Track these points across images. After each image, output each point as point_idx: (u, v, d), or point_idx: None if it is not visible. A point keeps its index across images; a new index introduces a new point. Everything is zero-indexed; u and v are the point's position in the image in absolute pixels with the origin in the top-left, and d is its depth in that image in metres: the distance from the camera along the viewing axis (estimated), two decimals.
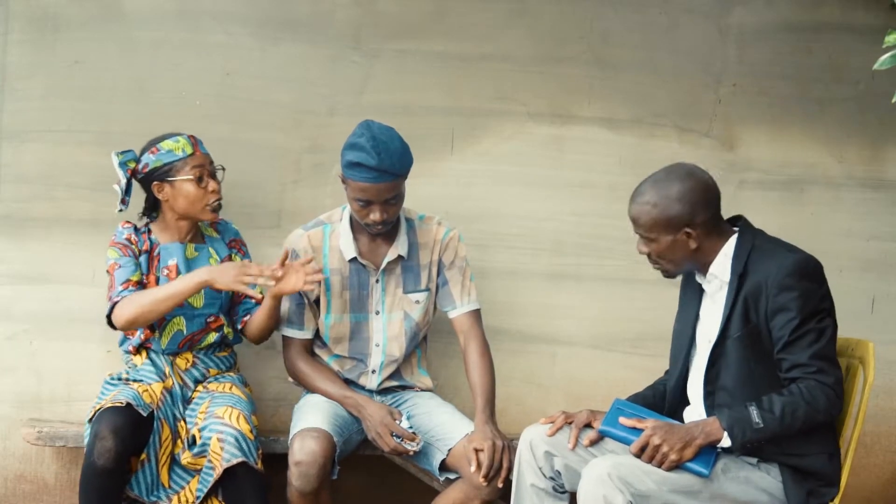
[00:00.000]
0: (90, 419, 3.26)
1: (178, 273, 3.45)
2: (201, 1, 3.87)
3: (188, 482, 3.31)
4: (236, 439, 3.20)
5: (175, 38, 3.85)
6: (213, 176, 3.47)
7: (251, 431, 3.25)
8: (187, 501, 3.28)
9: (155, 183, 3.45)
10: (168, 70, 3.85)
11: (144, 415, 3.23)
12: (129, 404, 3.21)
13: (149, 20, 3.84)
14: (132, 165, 3.46)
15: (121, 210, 3.48)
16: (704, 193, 2.95)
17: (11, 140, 3.81)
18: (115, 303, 3.36)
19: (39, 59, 3.80)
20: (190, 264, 3.48)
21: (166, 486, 3.30)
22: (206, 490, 3.23)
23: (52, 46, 3.81)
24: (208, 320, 3.50)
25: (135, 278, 3.42)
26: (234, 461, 3.18)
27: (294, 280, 3.32)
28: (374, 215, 3.34)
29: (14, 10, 3.79)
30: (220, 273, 3.30)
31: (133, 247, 3.47)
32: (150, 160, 3.44)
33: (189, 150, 3.43)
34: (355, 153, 3.30)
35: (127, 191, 3.47)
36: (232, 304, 3.57)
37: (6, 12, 3.78)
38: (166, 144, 3.43)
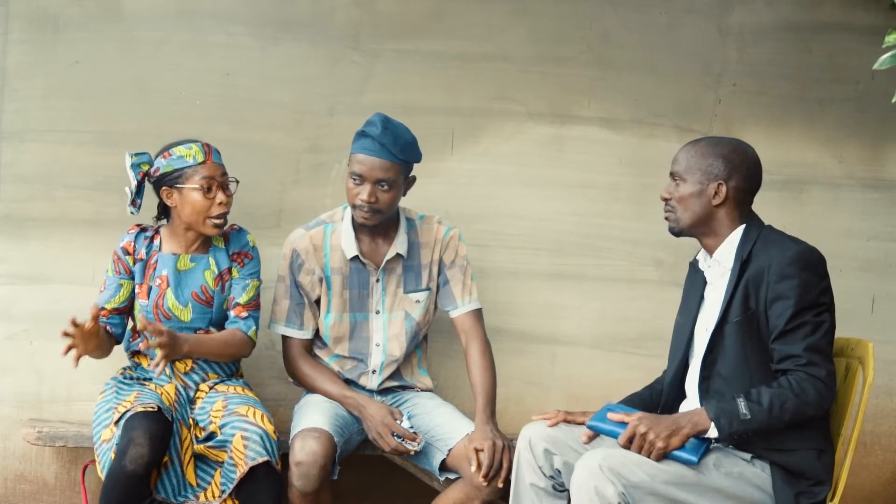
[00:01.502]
0: (116, 420, 3.21)
1: (168, 285, 3.42)
2: (201, 1, 3.87)
3: (212, 476, 3.29)
4: (261, 438, 3.18)
5: (175, 38, 3.85)
6: (223, 188, 3.40)
7: (274, 432, 3.23)
8: (213, 496, 3.26)
9: (164, 188, 3.39)
10: (168, 70, 3.85)
11: (170, 419, 3.21)
12: (159, 409, 3.18)
13: (149, 20, 3.84)
14: (145, 168, 3.42)
15: (132, 213, 3.43)
16: (750, 167, 3.04)
17: (11, 140, 3.81)
18: None
19: (39, 59, 3.80)
20: (180, 277, 3.44)
21: (194, 484, 3.28)
22: (231, 486, 3.20)
23: (52, 46, 3.81)
24: (197, 332, 3.46)
25: (111, 306, 3.41)
26: (260, 460, 3.16)
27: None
28: (363, 195, 3.34)
29: (14, 10, 3.79)
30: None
31: (129, 257, 3.43)
32: (161, 164, 3.39)
33: (200, 159, 3.37)
34: (364, 126, 3.36)
35: (138, 193, 3.42)
36: (225, 316, 3.51)
37: (6, 12, 3.78)
38: (178, 150, 3.38)
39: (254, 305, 3.50)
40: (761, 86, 4.07)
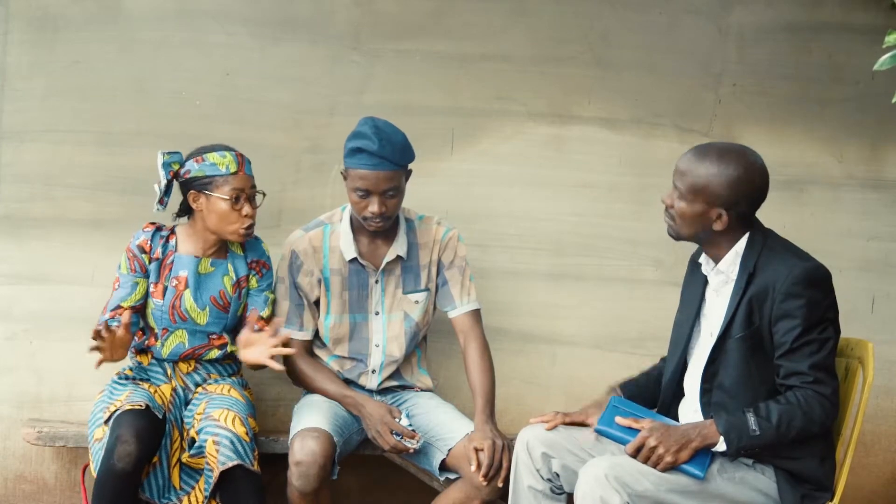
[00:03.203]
0: (106, 420, 3.23)
1: (187, 287, 3.42)
2: (201, 1, 3.87)
3: (197, 481, 3.31)
4: (231, 442, 3.20)
5: (175, 38, 3.86)
6: (250, 200, 3.40)
7: (247, 434, 3.24)
8: (197, 501, 3.28)
9: (192, 192, 3.39)
10: (168, 70, 3.86)
11: (160, 417, 3.23)
12: (147, 406, 3.20)
13: (149, 20, 3.84)
14: (175, 167, 3.41)
15: (158, 210, 3.42)
16: (756, 191, 2.94)
17: (11, 140, 3.81)
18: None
19: (39, 59, 3.80)
20: (200, 280, 3.44)
21: (177, 487, 3.30)
22: (209, 490, 3.23)
23: (52, 46, 3.81)
24: (211, 336, 3.48)
25: (127, 304, 3.39)
26: (230, 464, 3.18)
27: (257, 353, 3.25)
28: (373, 207, 3.34)
29: (14, 10, 3.79)
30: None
31: (144, 255, 3.42)
32: (192, 168, 3.38)
33: (233, 169, 3.37)
34: (357, 140, 3.33)
35: (167, 192, 3.42)
36: (239, 323, 3.51)
37: (6, 12, 3.79)
38: (212, 157, 3.38)
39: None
40: (761, 86, 4.07)
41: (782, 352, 2.87)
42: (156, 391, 3.37)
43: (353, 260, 3.49)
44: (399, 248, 3.50)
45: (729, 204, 2.92)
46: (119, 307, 3.39)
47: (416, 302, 3.55)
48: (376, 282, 3.52)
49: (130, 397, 3.27)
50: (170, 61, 3.85)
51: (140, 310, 3.44)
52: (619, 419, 2.99)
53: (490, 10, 3.97)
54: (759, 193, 2.96)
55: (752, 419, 2.83)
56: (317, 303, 3.54)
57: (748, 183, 2.91)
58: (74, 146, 3.83)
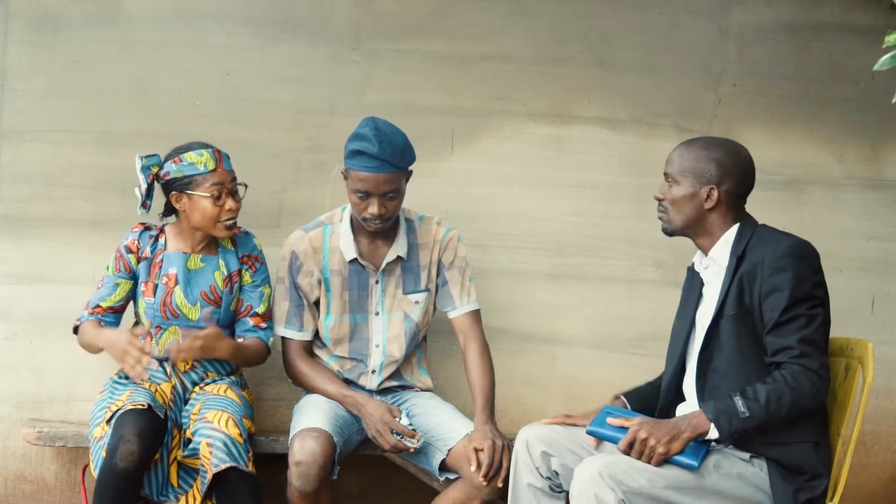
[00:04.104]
0: (108, 419, 3.24)
1: (177, 283, 3.44)
2: (201, 1, 3.87)
3: (195, 480, 3.31)
4: (224, 444, 3.20)
5: (175, 38, 3.86)
6: (232, 194, 3.42)
7: (240, 435, 3.24)
8: (195, 500, 3.28)
9: (173, 192, 3.41)
10: (168, 70, 3.86)
11: (161, 416, 3.24)
12: (149, 406, 3.21)
13: (149, 20, 3.85)
14: (155, 170, 3.42)
15: (142, 213, 3.45)
16: (742, 171, 3.05)
17: (11, 140, 3.81)
18: (77, 325, 3.45)
19: (39, 59, 3.80)
20: (190, 276, 3.46)
21: (175, 485, 3.31)
22: (204, 492, 3.23)
23: (52, 46, 3.81)
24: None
25: (106, 304, 3.44)
26: (223, 466, 3.19)
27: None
28: (373, 209, 3.34)
29: (14, 10, 3.79)
30: (112, 346, 3.27)
31: (131, 255, 3.45)
32: (171, 169, 3.39)
33: (211, 166, 3.38)
34: (358, 142, 3.32)
35: (148, 195, 3.43)
36: (232, 318, 3.53)
37: (6, 12, 3.79)
38: (189, 156, 3.39)
39: (269, 314, 3.55)
40: (761, 86, 4.07)
41: (770, 326, 2.88)
42: (157, 390, 3.37)
43: (354, 260, 3.49)
44: (399, 248, 3.50)
45: (717, 180, 3.01)
46: (98, 306, 3.44)
47: (416, 302, 3.55)
48: (376, 282, 3.52)
49: (132, 397, 3.27)
50: (170, 61, 3.86)
51: (121, 310, 3.48)
52: (610, 419, 2.99)
53: (490, 10, 3.97)
54: (746, 172, 3.05)
55: (739, 402, 2.83)
56: (317, 303, 3.54)
57: (733, 159, 3.03)
58: (74, 146, 3.83)
